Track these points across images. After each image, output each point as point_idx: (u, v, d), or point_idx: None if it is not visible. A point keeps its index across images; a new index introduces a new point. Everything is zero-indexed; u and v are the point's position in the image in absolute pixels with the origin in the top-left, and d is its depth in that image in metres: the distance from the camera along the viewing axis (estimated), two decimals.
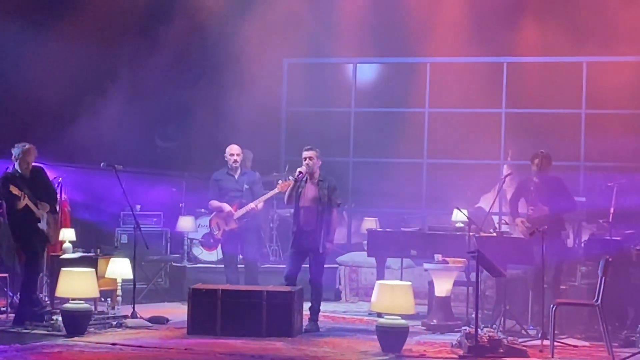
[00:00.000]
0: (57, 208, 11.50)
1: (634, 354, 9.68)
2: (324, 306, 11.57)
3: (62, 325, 10.29)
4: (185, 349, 9.73)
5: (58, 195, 11.81)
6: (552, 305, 9.90)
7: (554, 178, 11.30)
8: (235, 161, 12.27)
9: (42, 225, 10.96)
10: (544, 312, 10.19)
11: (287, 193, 11.27)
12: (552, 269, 10.75)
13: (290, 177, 11.44)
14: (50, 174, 11.74)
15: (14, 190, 10.64)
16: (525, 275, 11.26)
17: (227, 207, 12.19)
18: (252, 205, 12.16)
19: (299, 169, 11.18)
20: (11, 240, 11.23)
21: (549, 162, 11.24)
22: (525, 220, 11.16)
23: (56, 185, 12.12)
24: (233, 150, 12.31)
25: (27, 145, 10.93)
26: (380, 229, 13.48)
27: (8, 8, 13.86)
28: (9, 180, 10.75)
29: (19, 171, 10.89)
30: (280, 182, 12.01)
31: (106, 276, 11.26)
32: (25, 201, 10.72)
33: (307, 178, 11.19)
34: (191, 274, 13.66)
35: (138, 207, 13.82)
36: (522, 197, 11.42)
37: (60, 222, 11.92)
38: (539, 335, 10.21)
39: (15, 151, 10.91)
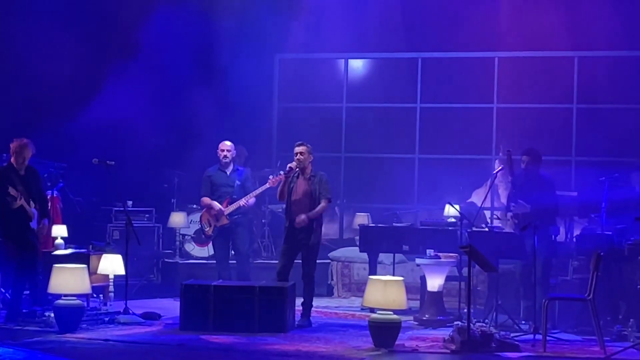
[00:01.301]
0: (45, 221, 11.42)
1: (625, 348, 9.71)
2: (317, 302, 11.57)
3: (54, 321, 10.28)
4: (178, 345, 9.74)
5: (49, 199, 11.84)
6: (544, 300, 9.93)
7: (542, 177, 11.29)
8: (225, 157, 12.25)
9: (33, 224, 10.97)
10: (535, 306, 10.21)
11: (279, 189, 11.27)
12: (540, 264, 10.73)
13: (282, 172, 11.43)
14: (41, 170, 11.75)
15: (12, 191, 10.64)
16: (517, 269, 11.28)
17: (217, 205, 12.17)
18: (242, 201, 12.15)
19: (289, 165, 11.18)
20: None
21: (536, 160, 11.24)
22: (512, 216, 11.18)
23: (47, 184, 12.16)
24: (224, 147, 12.30)
25: (25, 140, 10.90)
26: (373, 225, 13.47)
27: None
28: (5, 177, 10.73)
29: (15, 166, 10.86)
30: (271, 177, 11.99)
31: (98, 272, 11.25)
32: (20, 202, 10.72)
33: (298, 174, 11.18)
34: (183, 269, 13.65)
35: (130, 203, 13.79)
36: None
37: (51, 222, 11.96)
38: (531, 329, 10.24)
39: (12, 146, 10.88)
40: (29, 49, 14.05)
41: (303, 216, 11.00)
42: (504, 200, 12.71)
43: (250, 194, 12.26)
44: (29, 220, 10.91)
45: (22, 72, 13.88)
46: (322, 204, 11.13)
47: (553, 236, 11.31)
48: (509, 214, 11.29)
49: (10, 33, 14.12)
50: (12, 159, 10.90)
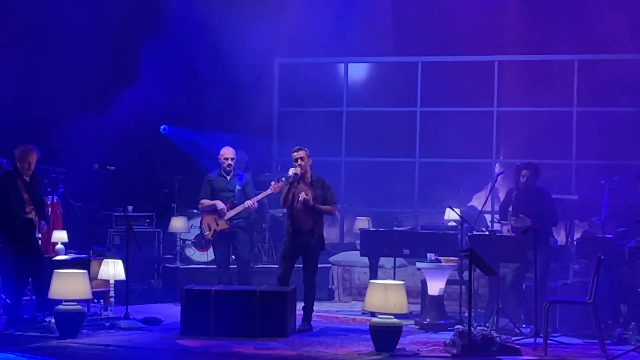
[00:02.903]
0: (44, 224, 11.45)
1: (627, 352, 9.70)
2: (317, 306, 11.56)
3: (55, 327, 10.27)
4: (179, 350, 9.74)
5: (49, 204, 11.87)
6: (545, 304, 9.93)
7: (540, 191, 11.29)
8: (230, 165, 12.22)
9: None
10: (536, 310, 10.20)
11: (282, 195, 11.19)
12: (540, 267, 10.68)
13: (283, 179, 11.38)
14: (42, 176, 11.75)
15: (29, 209, 10.68)
16: (507, 278, 11.21)
17: (220, 204, 12.14)
18: (249, 203, 12.11)
19: (293, 171, 11.10)
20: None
21: (536, 174, 11.25)
22: (511, 230, 11.19)
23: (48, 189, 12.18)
24: (227, 154, 12.25)
25: (29, 146, 10.90)
26: (373, 229, 13.47)
27: None
28: (12, 183, 10.73)
29: (20, 172, 10.86)
30: (273, 183, 11.98)
31: (99, 277, 11.24)
32: (33, 215, 10.76)
33: (299, 179, 11.16)
34: (184, 274, 13.62)
35: (130, 208, 13.79)
36: (510, 204, 11.45)
37: (50, 226, 11.94)
38: (532, 333, 10.23)
39: (16, 152, 10.88)
40: (29, 54, 14.08)
41: (310, 198, 10.99)
42: None
43: (253, 198, 12.24)
44: (34, 229, 10.93)
45: (22, 75, 13.88)
46: (332, 206, 11.17)
47: (552, 241, 11.32)
48: (504, 228, 11.30)
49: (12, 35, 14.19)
50: (18, 165, 10.90)
